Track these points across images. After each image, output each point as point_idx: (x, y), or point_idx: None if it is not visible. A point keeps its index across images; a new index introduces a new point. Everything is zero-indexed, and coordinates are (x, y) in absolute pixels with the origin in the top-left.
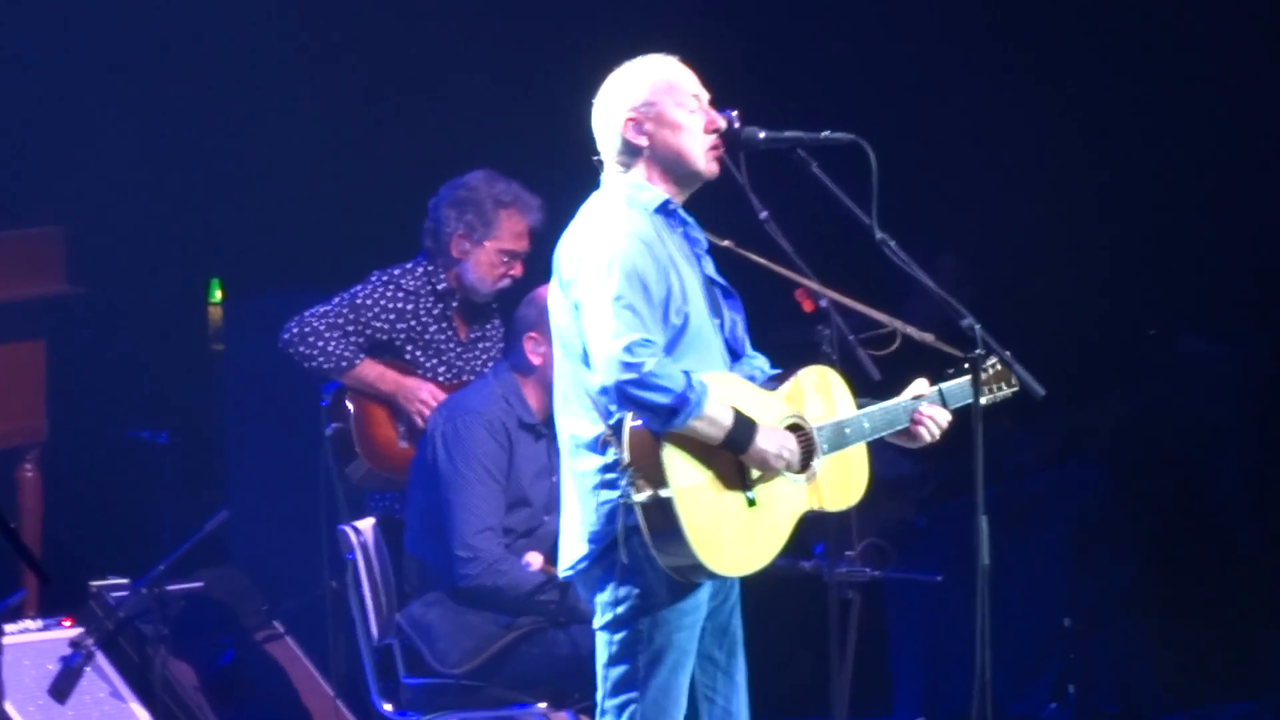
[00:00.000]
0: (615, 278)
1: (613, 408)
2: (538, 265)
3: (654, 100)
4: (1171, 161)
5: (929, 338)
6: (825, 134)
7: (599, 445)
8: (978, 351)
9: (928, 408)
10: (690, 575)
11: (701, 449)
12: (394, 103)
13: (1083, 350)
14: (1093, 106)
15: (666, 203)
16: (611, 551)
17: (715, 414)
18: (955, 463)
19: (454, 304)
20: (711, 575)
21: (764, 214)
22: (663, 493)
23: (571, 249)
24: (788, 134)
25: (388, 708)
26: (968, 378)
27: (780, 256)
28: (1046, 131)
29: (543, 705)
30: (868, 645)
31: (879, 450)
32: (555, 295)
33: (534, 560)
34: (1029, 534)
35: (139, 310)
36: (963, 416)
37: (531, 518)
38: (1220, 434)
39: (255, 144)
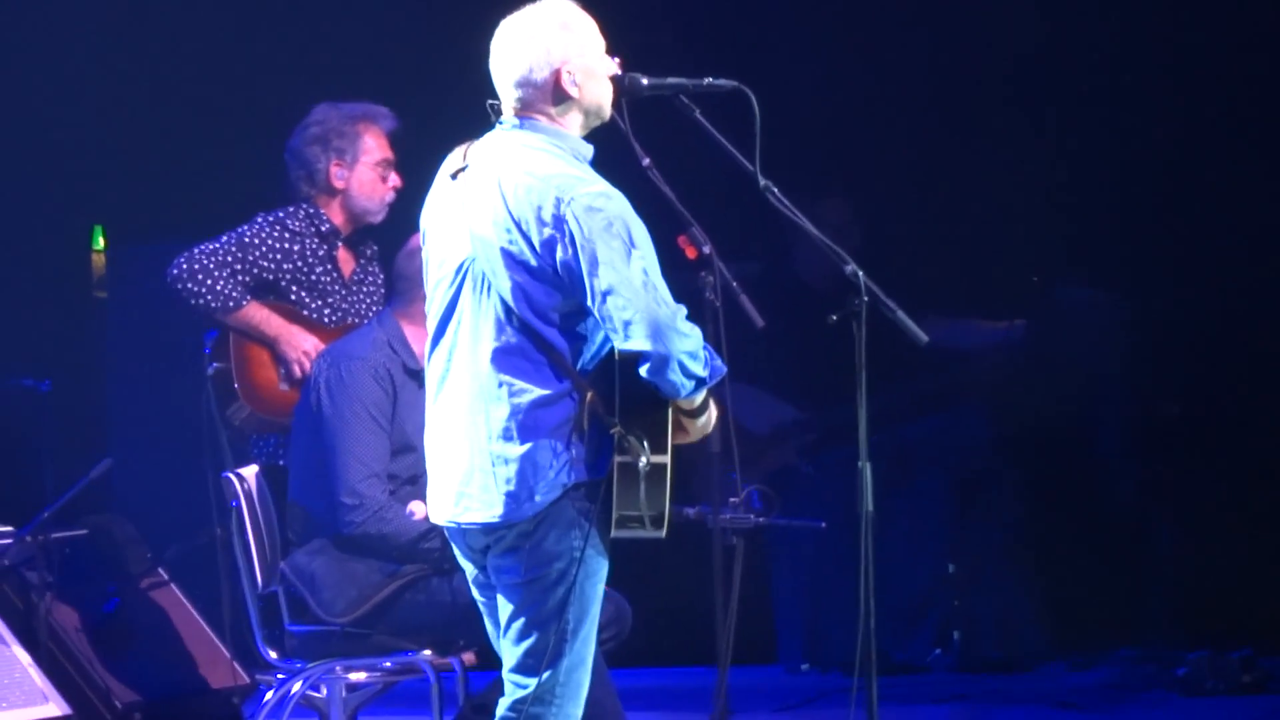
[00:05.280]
0: (641, 242)
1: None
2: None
3: (585, 50)
4: (1057, 109)
5: None
6: (708, 80)
7: (568, 406)
8: (863, 299)
9: None
10: (634, 528)
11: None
12: (277, 50)
13: (968, 297)
14: (975, 52)
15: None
16: (555, 506)
17: None
18: (840, 409)
19: (338, 244)
20: (658, 531)
21: (646, 161)
22: (658, 458)
23: (538, 205)
24: (670, 80)
25: (273, 655)
26: None
27: (664, 203)
28: (929, 77)
29: (427, 652)
30: (752, 592)
31: (763, 397)
32: (507, 251)
33: (417, 509)
34: (914, 481)
35: (21, 257)
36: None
37: (416, 464)
38: (1101, 382)
39: (139, 91)
